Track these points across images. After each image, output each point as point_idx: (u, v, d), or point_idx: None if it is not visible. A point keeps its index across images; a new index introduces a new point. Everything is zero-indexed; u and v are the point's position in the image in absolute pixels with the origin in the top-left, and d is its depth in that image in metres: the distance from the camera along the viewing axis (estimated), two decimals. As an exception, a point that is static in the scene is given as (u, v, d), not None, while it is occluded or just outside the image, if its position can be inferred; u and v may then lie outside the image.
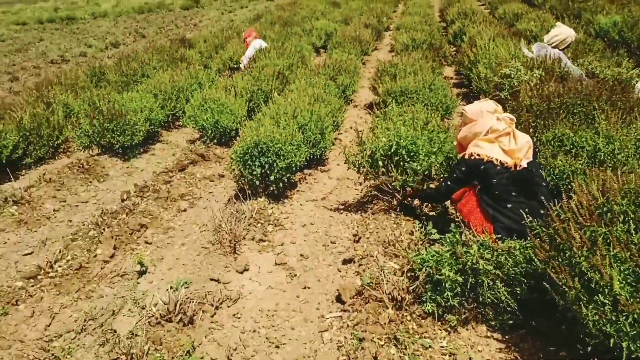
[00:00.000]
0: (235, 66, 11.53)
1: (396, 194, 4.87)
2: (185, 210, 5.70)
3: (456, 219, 4.77)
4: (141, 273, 4.46)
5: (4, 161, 6.61)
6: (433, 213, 4.95)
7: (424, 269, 3.49)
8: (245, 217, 4.90)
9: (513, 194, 3.79)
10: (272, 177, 5.23)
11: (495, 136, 3.92)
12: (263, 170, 5.21)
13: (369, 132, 5.87)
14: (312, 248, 4.64)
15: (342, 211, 5.31)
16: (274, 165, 5.20)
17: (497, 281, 3.31)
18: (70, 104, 8.47)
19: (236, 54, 11.86)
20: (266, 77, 8.78)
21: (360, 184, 5.90)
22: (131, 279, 4.41)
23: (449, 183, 4.13)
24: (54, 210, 5.70)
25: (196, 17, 26.87)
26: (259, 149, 5.20)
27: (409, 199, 4.83)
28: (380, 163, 4.78)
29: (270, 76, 8.90)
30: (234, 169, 5.30)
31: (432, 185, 4.69)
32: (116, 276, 4.48)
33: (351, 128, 8.00)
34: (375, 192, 4.99)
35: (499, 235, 3.71)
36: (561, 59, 6.39)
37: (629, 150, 3.88)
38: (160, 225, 5.34)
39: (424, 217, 4.74)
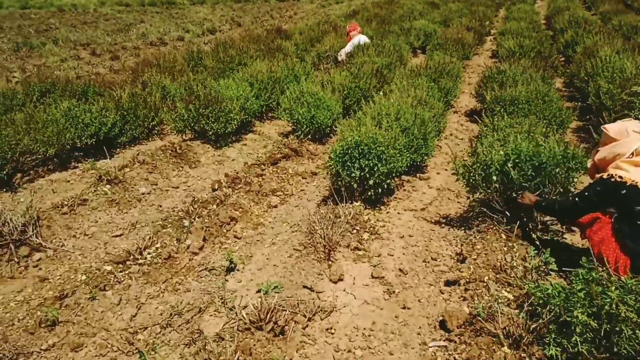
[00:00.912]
0: (334, 55, 11.24)
1: (506, 211, 4.44)
2: (276, 206, 5.49)
3: (580, 248, 4.29)
4: (230, 270, 4.26)
5: (102, 138, 6.64)
6: (550, 238, 4.47)
7: (548, 306, 3.07)
8: (341, 222, 4.61)
9: (657, 225, 3.30)
10: (371, 182, 4.91)
11: (642, 159, 3.43)
12: (362, 173, 4.90)
13: (476, 143, 5.46)
14: (411, 263, 4.29)
15: (443, 225, 4.92)
16: (375, 169, 4.88)
17: (637, 331, 2.85)
18: (167, 87, 8.48)
19: (332, 48, 11.59)
20: (364, 75, 8.47)
21: (467, 197, 5.47)
22: (219, 275, 4.22)
23: (577, 200, 3.66)
24: (146, 193, 5.63)
25: (292, 9, 26.96)
26: (360, 150, 4.90)
27: (525, 212, 4.36)
28: (494, 177, 4.36)
29: (369, 74, 8.58)
30: (331, 168, 5.01)
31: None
32: (204, 270, 4.31)
33: (451, 135, 7.57)
34: (484, 209, 4.56)
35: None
36: None
37: None
38: (250, 220, 5.15)
39: (538, 242, 4.27)
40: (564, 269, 3.65)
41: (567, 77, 9.16)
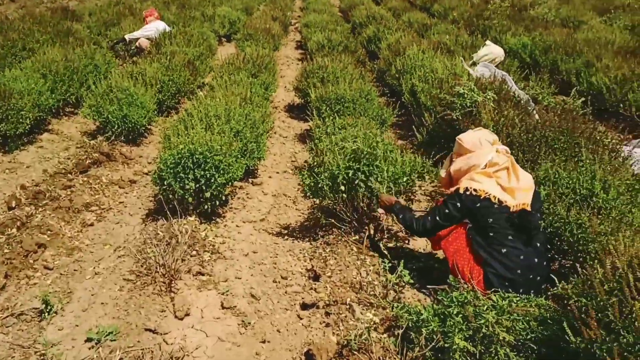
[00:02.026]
0: (129, 39, 10.18)
1: (354, 221, 4.29)
2: (92, 224, 4.71)
3: (424, 253, 4.29)
4: (44, 312, 3.48)
5: None
6: (395, 245, 4.40)
7: (424, 332, 2.93)
8: (179, 242, 4.05)
9: (509, 237, 3.36)
10: (208, 194, 4.41)
11: (494, 170, 3.46)
12: (198, 185, 4.38)
13: (313, 147, 5.25)
14: (261, 285, 3.91)
15: (286, 237, 4.61)
16: (212, 180, 4.39)
17: (510, 351, 2.83)
18: None
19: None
20: (177, 67, 7.80)
21: (305, 204, 5.23)
22: (32, 322, 3.43)
23: (437, 219, 3.59)
24: None
25: (75, -14, 24.41)
26: (195, 160, 4.36)
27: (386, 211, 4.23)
28: (342, 187, 4.16)
29: (181, 65, 7.93)
30: (163, 182, 4.40)
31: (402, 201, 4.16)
32: (10, 317, 3.46)
33: (275, 133, 7.30)
34: (331, 219, 4.35)
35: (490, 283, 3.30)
36: (506, 81, 6.16)
37: (624, 197, 3.60)
38: (62, 244, 4.33)
39: (387, 252, 4.17)
40: (428, 286, 3.57)
41: (375, 73, 9.41)
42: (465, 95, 5.56)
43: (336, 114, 6.42)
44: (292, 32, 16.19)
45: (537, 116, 5.48)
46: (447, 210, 3.54)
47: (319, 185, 4.23)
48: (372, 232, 4.25)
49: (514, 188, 3.42)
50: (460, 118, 5.51)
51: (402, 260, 3.81)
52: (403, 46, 9.21)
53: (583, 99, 6.88)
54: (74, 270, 4.02)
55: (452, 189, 3.61)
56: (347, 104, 6.47)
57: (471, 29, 13.11)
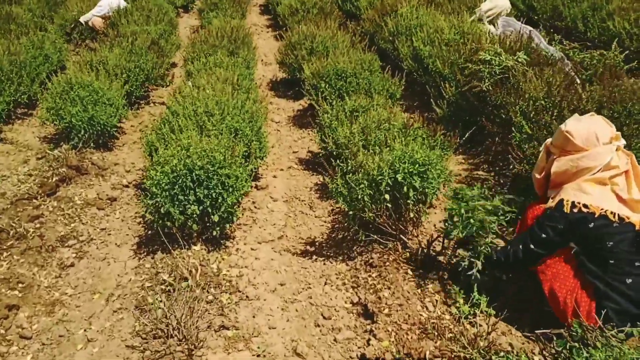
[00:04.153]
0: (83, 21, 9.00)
1: (401, 235, 3.50)
2: (72, 264, 3.79)
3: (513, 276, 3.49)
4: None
5: None
6: (452, 260, 3.62)
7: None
8: (191, 286, 3.20)
9: (636, 264, 2.59)
10: (216, 218, 3.54)
11: (611, 176, 2.67)
12: (203, 207, 3.51)
13: (325, 137, 4.42)
14: (303, 334, 3.10)
15: (315, 257, 3.79)
16: (220, 201, 3.52)
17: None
18: None
19: (83, 14, 9.31)
20: (141, 50, 6.75)
21: (325, 209, 4.41)
22: None
23: (532, 247, 2.78)
24: None
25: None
26: (195, 177, 3.48)
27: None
28: (386, 196, 3.34)
29: (146, 48, 6.88)
30: (159, 209, 3.50)
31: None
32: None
33: (266, 118, 6.37)
34: (370, 234, 3.54)
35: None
36: (533, 37, 5.34)
37: None
38: (39, 298, 3.42)
39: (447, 269, 3.39)
40: (536, 332, 2.78)
41: (360, 37, 8.49)
42: (492, 61, 4.74)
43: (338, 91, 5.55)
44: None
45: (577, 79, 4.72)
46: (543, 235, 2.73)
47: (356, 195, 3.39)
48: (424, 247, 3.45)
49: (637, 199, 2.65)
50: (490, 89, 4.71)
51: (475, 286, 3.05)
52: (389, 3, 8.28)
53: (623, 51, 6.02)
54: (60, 336, 3.13)
55: (552, 203, 2.79)
56: (350, 79, 5.59)
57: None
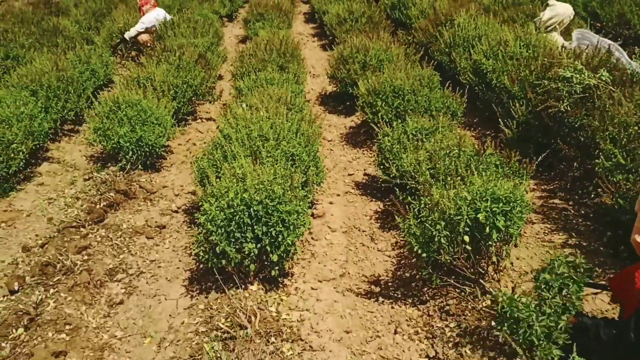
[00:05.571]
0: (124, 38, 8.88)
1: (480, 279, 3.14)
2: (121, 302, 3.56)
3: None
4: None
5: None
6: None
7: None
8: (247, 334, 2.92)
9: None
10: (275, 257, 3.26)
11: None
12: (262, 246, 3.23)
13: (382, 160, 4.10)
14: (376, 393, 2.79)
15: (381, 299, 3.46)
16: (279, 238, 3.23)
17: None
18: None
19: (128, 26, 9.20)
20: (189, 64, 6.55)
21: (387, 241, 4.08)
22: None
23: None
24: None
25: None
26: (253, 213, 3.20)
27: None
28: (465, 238, 2.99)
29: (193, 62, 6.68)
30: (215, 247, 3.23)
31: None
32: None
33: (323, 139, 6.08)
34: (445, 278, 3.20)
35: None
36: (612, 52, 4.91)
37: None
38: (87, 342, 3.19)
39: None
40: None
41: (412, 47, 8.14)
42: (573, 79, 4.34)
43: (395, 109, 5.22)
44: (297, 2, 14.75)
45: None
46: None
47: (433, 236, 3.05)
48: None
49: None
50: (569, 109, 4.31)
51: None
52: (443, 12, 7.91)
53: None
54: (110, 388, 2.89)
55: None
56: (408, 96, 5.25)
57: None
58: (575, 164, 4.39)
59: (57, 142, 5.99)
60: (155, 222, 4.44)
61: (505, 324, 2.58)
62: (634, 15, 7.63)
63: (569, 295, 2.46)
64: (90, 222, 4.29)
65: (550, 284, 2.51)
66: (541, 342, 2.46)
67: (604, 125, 3.82)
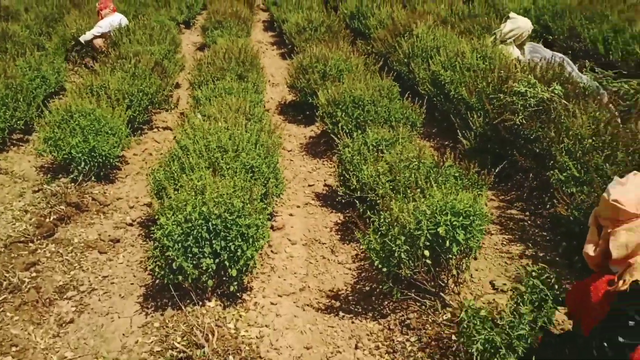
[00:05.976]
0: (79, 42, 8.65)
1: (440, 292, 3.14)
2: (71, 321, 3.41)
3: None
4: None
5: None
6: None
7: None
8: (204, 353, 2.82)
9: None
10: (234, 272, 3.18)
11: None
12: (220, 261, 3.15)
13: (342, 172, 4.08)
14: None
15: (342, 314, 3.41)
16: (239, 253, 3.15)
17: None
18: None
19: (82, 32, 8.94)
20: (145, 72, 6.40)
21: (348, 253, 4.04)
22: None
23: (620, 339, 2.31)
24: None
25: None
26: (212, 227, 3.11)
27: None
28: (425, 252, 2.98)
29: (150, 70, 6.54)
30: (171, 264, 3.13)
31: None
32: None
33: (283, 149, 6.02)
34: (405, 291, 3.18)
35: None
36: (564, 66, 5.01)
37: None
38: (35, 364, 3.04)
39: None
40: None
41: (374, 59, 8.15)
42: (527, 93, 4.41)
43: (355, 120, 5.21)
44: (256, 10, 14.69)
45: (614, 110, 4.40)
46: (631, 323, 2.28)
47: (393, 251, 3.03)
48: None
49: None
50: (524, 122, 4.38)
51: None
52: (402, 23, 7.98)
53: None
54: (58, 413, 2.76)
55: (623, 285, 2.34)
56: (367, 107, 5.25)
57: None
58: (531, 174, 4.45)
59: (5, 152, 5.75)
60: (109, 235, 4.30)
61: (464, 337, 2.57)
62: (584, 29, 7.84)
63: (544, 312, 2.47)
64: (39, 237, 4.11)
65: (525, 297, 2.52)
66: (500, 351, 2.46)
67: (559, 137, 3.88)
